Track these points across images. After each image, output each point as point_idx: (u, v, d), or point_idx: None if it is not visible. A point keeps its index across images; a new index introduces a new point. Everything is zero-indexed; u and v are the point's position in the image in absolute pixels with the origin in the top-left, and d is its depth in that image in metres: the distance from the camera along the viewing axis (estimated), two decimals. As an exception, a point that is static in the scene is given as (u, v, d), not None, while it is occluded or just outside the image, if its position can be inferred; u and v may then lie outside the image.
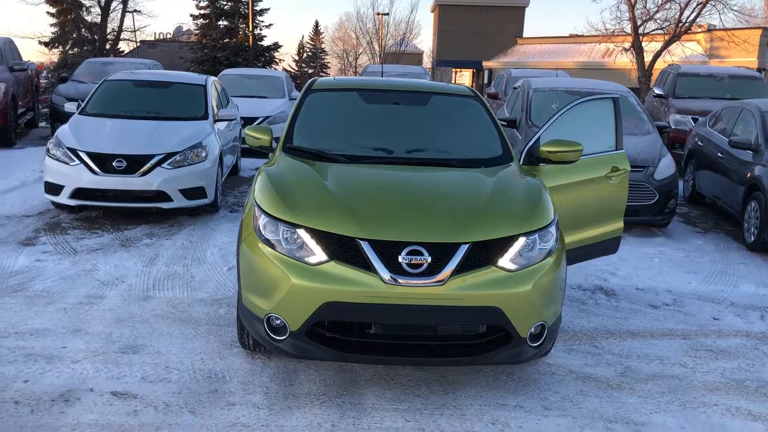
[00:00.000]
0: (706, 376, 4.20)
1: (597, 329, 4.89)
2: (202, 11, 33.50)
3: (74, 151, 7.08)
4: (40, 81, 17.78)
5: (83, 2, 27.30)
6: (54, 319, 4.58)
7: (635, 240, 7.55)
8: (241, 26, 31.39)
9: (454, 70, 48.83)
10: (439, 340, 3.58)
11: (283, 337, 3.52)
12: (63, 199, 7.11)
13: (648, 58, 20.75)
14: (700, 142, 9.59)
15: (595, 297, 5.60)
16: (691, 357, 4.48)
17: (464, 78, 49.72)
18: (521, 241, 3.58)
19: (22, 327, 4.43)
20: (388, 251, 3.40)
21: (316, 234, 3.49)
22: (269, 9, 32.90)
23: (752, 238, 7.35)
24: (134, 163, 7.07)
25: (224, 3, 32.52)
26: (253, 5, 27.72)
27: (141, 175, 7.06)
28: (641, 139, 8.23)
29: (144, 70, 11.75)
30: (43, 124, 15.53)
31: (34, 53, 28.63)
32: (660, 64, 19.47)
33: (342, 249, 3.44)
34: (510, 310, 3.47)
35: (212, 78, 9.57)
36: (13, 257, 5.88)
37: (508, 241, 3.56)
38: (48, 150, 7.30)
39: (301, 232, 3.51)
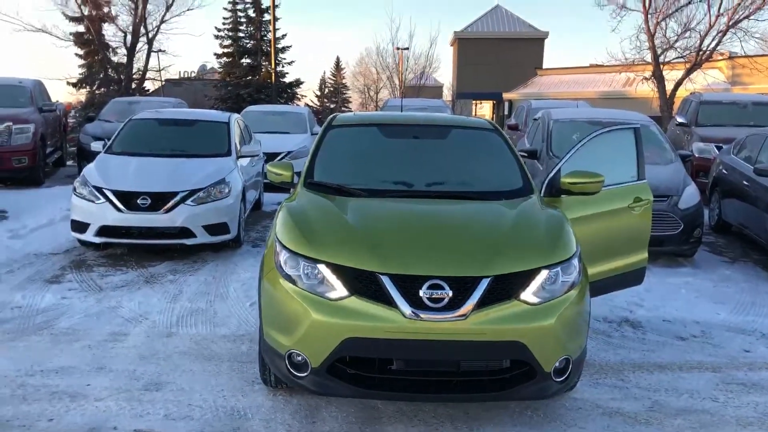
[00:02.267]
0: (739, 410, 4.09)
1: (623, 362, 4.80)
2: (225, 50, 34.18)
3: (100, 190, 7.20)
4: (68, 121, 18.15)
5: (110, 44, 27.99)
6: (79, 356, 4.62)
7: (661, 270, 7.44)
8: (264, 63, 31.94)
9: (474, 102, 49.05)
10: (462, 376, 3.54)
11: (305, 374, 3.50)
12: (89, 236, 7.21)
13: (669, 86, 20.67)
14: (724, 170, 9.48)
15: (621, 329, 5.51)
16: (722, 391, 4.37)
17: (485, 110, 49.89)
18: (543, 274, 3.55)
19: (47, 365, 4.46)
20: (408, 285, 3.39)
21: (336, 269, 3.49)
22: (291, 46, 33.37)
23: (782, 267, 7.21)
24: (158, 201, 7.16)
25: (247, 42, 33.18)
26: (275, 43, 28.21)
27: (165, 212, 7.14)
28: (664, 169, 8.16)
29: (168, 109, 11.96)
30: (70, 163, 15.84)
31: (63, 93, 29.36)
32: (682, 92, 19.40)
33: (362, 284, 3.44)
34: (534, 345, 3.42)
35: (235, 115, 9.71)
36: (40, 295, 5.95)
37: (530, 275, 3.53)
38: (74, 189, 7.43)
39: (322, 267, 3.52)
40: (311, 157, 4.83)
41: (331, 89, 73.76)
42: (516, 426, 3.79)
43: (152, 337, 5.05)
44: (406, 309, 3.35)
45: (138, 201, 7.12)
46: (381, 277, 3.41)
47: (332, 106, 67.93)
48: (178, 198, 7.21)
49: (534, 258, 3.61)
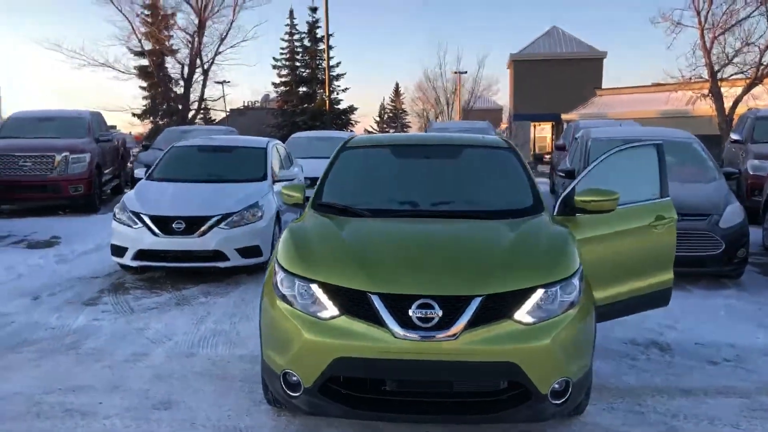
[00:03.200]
0: (760, 438, 3.87)
1: (644, 387, 4.62)
2: (282, 79, 35.01)
3: (137, 215, 7.45)
4: (128, 149, 18.87)
5: (172, 76, 29.10)
6: (97, 376, 4.75)
7: (701, 292, 7.16)
8: (319, 91, 32.55)
9: (532, 123, 48.58)
10: (456, 397, 3.48)
11: (298, 394, 3.51)
12: (126, 260, 7.46)
13: (729, 104, 19.98)
14: (776, 188, 9.09)
15: (647, 352, 5.31)
16: (745, 417, 4.15)
17: (545, 132, 49.31)
18: (539, 293, 3.47)
19: (67, 383, 4.61)
20: (398, 305, 3.36)
21: (328, 288, 3.50)
22: (345, 74, 33.99)
23: (833, 289, 6.82)
24: (193, 225, 7.36)
25: (303, 70, 33.90)
26: (329, 71, 28.73)
27: (199, 236, 7.33)
28: (705, 187, 7.88)
29: (208, 136, 12.29)
30: (127, 190, 16.43)
31: (124, 124, 30.67)
32: (743, 110, 18.71)
33: (353, 303, 3.43)
34: (527, 366, 3.33)
35: (274, 141, 9.91)
36: (74, 317, 6.17)
37: (525, 293, 3.45)
38: (114, 214, 7.71)
39: (314, 287, 3.53)
40: (322, 179, 4.89)
41: (391, 114, 74.41)
42: (517, 450, 3.70)
43: (172, 357, 5.15)
44: (396, 328, 3.32)
45: (173, 225, 7.33)
46: (371, 296, 3.40)
47: (392, 131, 68.51)
48: (211, 222, 7.39)
49: (530, 276, 3.53)
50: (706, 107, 21.85)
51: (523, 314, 3.41)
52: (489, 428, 3.90)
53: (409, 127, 70.06)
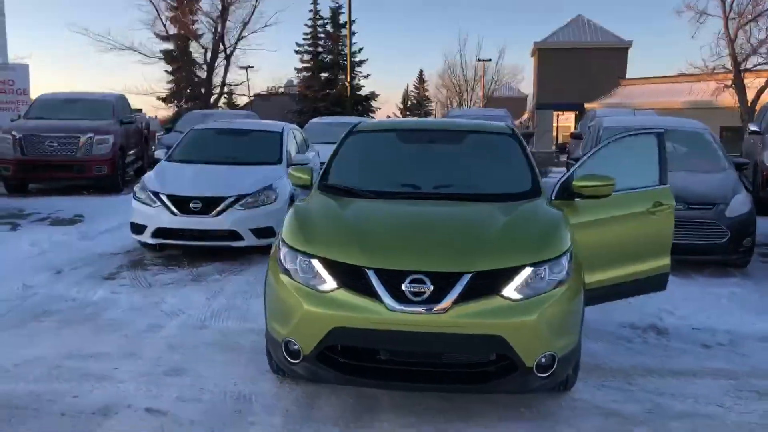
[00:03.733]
0: (741, 416, 4.01)
1: (636, 367, 4.77)
2: (305, 65, 35.22)
3: (156, 194, 7.71)
4: (152, 132, 19.20)
5: (196, 60, 29.44)
6: (114, 344, 5.02)
7: (706, 280, 7.26)
8: (341, 77, 32.73)
9: (555, 113, 48.31)
10: (446, 367, 3.67)
11: (298, 361, 3.73)
12: (146, 238, 7.73)
13: (753, 95, 19.81)
14: (789, 179, 9.11)
15: (644, 336, 5.46)
16: (731, 397, 4.29)
17: (569, 121, 49.01)
18: (528, 271, 3.64)
19: (85, 350, 4.88)
20: (392, 280, 3.56)
21: (328, 263, 3.71)
22: (367, 60, 34.13)
23: (837, 279, 6.88)
24: (209, 205, 7.60)
25: (325, 56, 34.08)
26: (351, 57, 28.87)
27: (215, 216, 7.57)
28: (713, 177, 7.95)
29: (227, 120, 12.52)
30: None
31: (148, 107, 31.15)
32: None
33: (350, 277, 3.64)
34: (514, 339, 3.51)
35: (291, 126, 10.13)
36: (94, 290, 6.45)
37: (514, 271, 3.63)
38: (134, 193, 7.98)
39: (315, 261, 3.74)
40: (329, 161, 5.09)
41: (414, 102, 74.30)
42: (506, 421, 3.88)
43: (184, 329, 5.41)
44: (389, 301, 3.52)
45: (190, 205, 7.58)
46: (367, 271, 3.60)
47: (415, 118, 68.51)
48: (227, 202, 7.63)
49: (518, 255, 3.70)
50: (730, 98, 21.68)
51: (510, 291, 3.59)
52: (478, 399, 4.09)
53: (433, 114, 69.99)
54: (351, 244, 3.76)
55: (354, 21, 30.74)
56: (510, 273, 3.62)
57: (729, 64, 20.23)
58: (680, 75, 36.58)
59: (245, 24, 27.75)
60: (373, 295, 3.56)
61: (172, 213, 7.58)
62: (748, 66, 20.15)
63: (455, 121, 5.92)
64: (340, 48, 33.43)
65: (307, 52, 34.31)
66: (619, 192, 4.85)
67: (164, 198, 7.66)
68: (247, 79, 34.87)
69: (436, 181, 4.77)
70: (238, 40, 27.17)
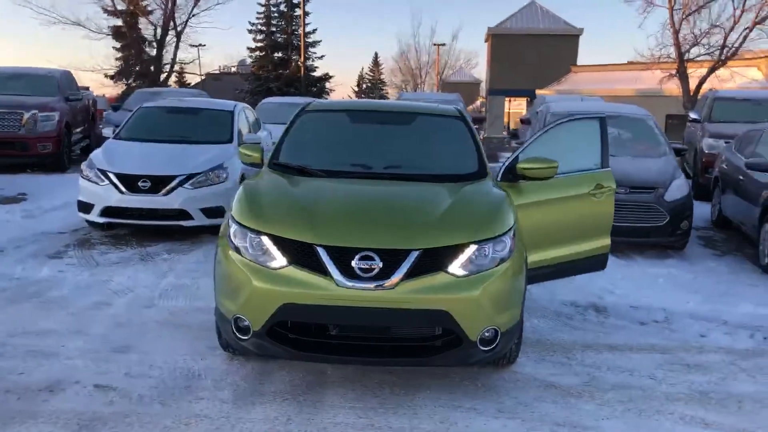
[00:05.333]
0: (672, 387, 4.24)
1: (575, 342, 4.97)
2: (258, 44, 34.76)
3: (104, 172, 7.60)
4: (100, 110, 18.74)
5: (146, 37, 28.77)
6: (61, 321, 4.98)
7: (645, 261, 7.55)
8: (294, 58, 32.44)
9: (507, 99, 48.84)
10: (394, 341, 3.78)
11: (248, 337, 3.78)
12: (93, 216, 7.62)
13: (694, 84, 20.45)
14: (725, 166, 9.49)
15: (584, 314, 5.67)
16: (663, 370, 4.52)
17: (521, 107, 49.63)
18: (472, 248, 3.76)
19: (30, 328, 4.83)
20: (342, 257, 3.63)
21: (277, 240, 3.76)
22: (321, 41, 33.87)
23: (766, 260, 7.24)
24: (158, 183, 7.53)
25: (278, 36, 33.68)
26: (305, 37, 28.62)
27: (164, 195, 7.51)
28: (654, 162, 8.24)
29: (176, 98, 12.35)
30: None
31: (96, 85, 30.25)
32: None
33: (300, 254, 3.70)
34: (458, 314, 3.64)
35: (242, 105, 10.05)
36: (39, 269, 6.35)
37: (459, 249, 3.74)
38: (82, 171, 7.85)
39: (265, 238, 3.79)
40: (280, 140, 5.12)
41: (369, 85, 74.08)
42: (451, 393, 4.01)
43: (132, 307, 5.39)
44: (339, 278, 3.60)
45: (139, 183, 7.50)
46: (317, 248, 3.66)
47: (367, 100, 68.16)
48: (176, 181, 7.56)
49: (464, 233, 3.81)
50: (675, 87, 22.29)
51: (456, 267, 3.70)
52: (426, 374, 4.22)
53: (388, 97, 69.91)
54: (301, 222, 3.81)
55: (308, 0, 30.50)
56: (455, 250, 3.73)
57: (674, 54, 20.80)
58: (629, 63, 37.49)
59: (197, 1, 27.26)
60: (323, 271, 3.63)
61: (121, 191, 7.49)
62: (691, 56, 20.74)
63: (405, 103, 6.01)
64: (293, 28, 33.08)
65: (260, 31, 33.85)
66: (563, 174, 5.02)
67: (112, 176, 7.55)
68: (199, 58, 34.35)
69: (386, 161, 4.84)
70: (190, 17, 26.67)
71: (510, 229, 3.99)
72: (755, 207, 7.72)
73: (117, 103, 16.93)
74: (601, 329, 5.32)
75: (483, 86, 60.22)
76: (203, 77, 34.63)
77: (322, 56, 31.96)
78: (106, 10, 29.04)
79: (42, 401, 3.73)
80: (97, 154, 8.07)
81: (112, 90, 32.03)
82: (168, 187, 7.53)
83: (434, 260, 3.68)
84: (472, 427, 3.63)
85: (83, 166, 7.92)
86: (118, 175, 7.54)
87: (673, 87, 22.06)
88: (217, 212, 7.80)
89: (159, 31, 26.22)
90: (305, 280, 3.64)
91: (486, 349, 3.78)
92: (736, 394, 4.17)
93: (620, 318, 5.60)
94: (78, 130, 14.38)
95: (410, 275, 3.62)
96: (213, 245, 7.54)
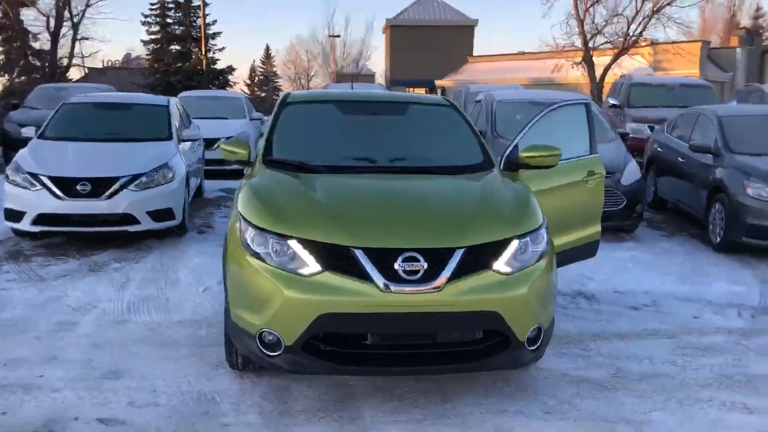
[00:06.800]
0: (697, 372, 4.23)
1: (582, 333, 4.89)
2: (153, 36, 33.11)
3: (35, 176, 6.85)
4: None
5: (30, 30, 26.70)
6: (27, 347, 4.38)
7: (607, 245, 7.59)
8: (194, 50, 31.11)
9: (407, 89, 49.26)
10: (438, 348, 3.52)
11: (278, 353, 3.41)
12: (25, 225, 6.85)
13: (599, 71, 21.26)
14: (659, 149, 9.80)
15: (576, 301, 5.62)
16: (678, 355, 4.51)
17: (419, 97, 49.99)
18: (515, 244, 3.56)
19: (-7, 358, 4.21)
20: (383, 259, 3.34)
21: (308, 244, 3.41)
22: (221, 33, 32.57)
23: (717, 239, 7.50)
24: (99, 187, 6.86)
25: (176, 28, 32.20)
26: (205, 29, 27.51)
27: (107, 198, 6.86)
28: (606, 146, 8.33)
29: (104, 93, 11.50)
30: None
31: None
32: (609, 78, 19.99)
33: (336, 259, 3.37)
34: (508, 314, 3.43)
35: (174, 99, 9.42)
36: (-24, 287, 5.62)
37: (502, 245, 3.54)
38: (7, 176, 7.04)
39: (293, 243, 3.42)
40: (268, 135, 4.71)
41: (261, 77, 72.72)
42: (489, 397, 3.81)
43: (103, 325, 4.84)
44: (382, 282, 3.30)
45: (77, 187, 6.80)
46: (355, 251, 3.35)
47: (263, 94, 67.01)
48: (119, 183, 6.92)
49: (505, 228, 3.62)
50: (574, 75, 23.13)
51: (501, 265, 3.49)
52: (457, 378, 3.99)
53: (281, 90, 68.84)
54: (332, 224, 3.48)
55: (206, -9, 29.30)
56: (499, 246, 3.52)
57: (579, 43, 21.54)
58: (521, 53, 38.78)
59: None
60: (363, 276, 3.32)
61: (57, 197, 6.76)
62: (596, 45, 21.56)
63: (392, 93, 5.74)
64: (191, 19, 31.72)
65: (155, 23, 32.23)
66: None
67: (46, 180, 6.81)
68: (81, 51, 32.06)
69: (390, 154, 4.56)
70: (87, 7, 24.87)
71: (544, 222, 3.83)
72: (702, 189, 7.99)
73: (16, 101, 15.50)
74: (600, 317, 5.28)
75: (377, 78, 60.50)
76: (87, 71, 32.44)
77: (223, 48, 30.88)
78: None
79: (44, 444, 3.22)
80: (23, 156, 7.26)
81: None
82: (111, 190, 6.87)
83: (479, 258, 3.46)
84: (528, 432, 3.44)
85: (9, 170, 7.11)
86: (54, 179, 6.81)
87: (568, 76, 22.89)
88: (165, 215, 7.24)
89: (52, 22, 24.33)
90: (344, 286, 3.32)
91: (532, 348, 3.60)
92: (759, 376, 4.20)
93: (611, 304, 5.59)
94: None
95: (456, 275, 3.38)
96: (162, 252, 7.04)
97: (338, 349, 3.43)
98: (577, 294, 5.82)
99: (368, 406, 3.66)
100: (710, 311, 5.45)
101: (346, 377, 3.91)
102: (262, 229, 3.53)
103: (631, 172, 8.00)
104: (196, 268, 6.33)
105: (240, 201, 3.89)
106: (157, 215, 7.14)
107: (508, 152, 4.85)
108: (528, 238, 3.65)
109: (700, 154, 8.21)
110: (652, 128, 11.74)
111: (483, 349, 3.52)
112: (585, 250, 5.35)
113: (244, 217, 3.68)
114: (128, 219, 6.98)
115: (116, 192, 6.89)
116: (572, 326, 5.03)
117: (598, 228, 5.35)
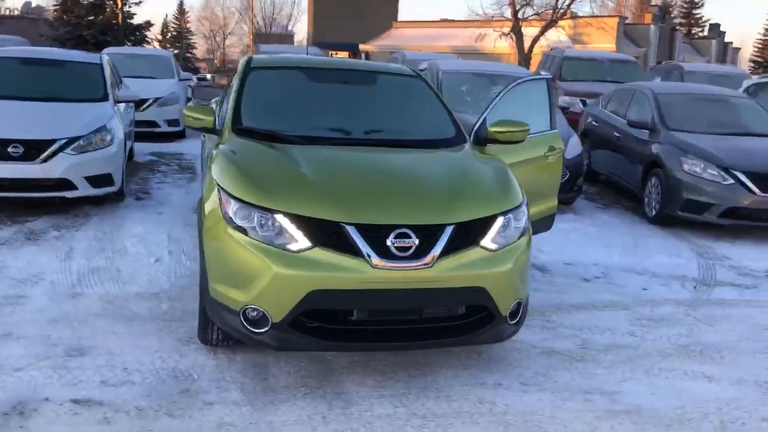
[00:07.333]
0: (656, 343, 4.43)
1: (543, 304, 5.02)
2: (62, -15, 31.02)
3: (-41, 138, 6.35)
4: None
5: None
6: (-25, 323, 4.10)
7: (550, 217, 7.84)
8: (108, 2, 29.42)
9: (330, 52, 48.58)
10: (424, 323, 3.53)
11: (264, 330, 3.33)
12: (-52, 190, 6.37)
13: (527, 43, 21.63)
14: (594, 122, 10.10)
15: (530, 273, 5.75)
16: (636, 326, 4.71)
17: (344, 60, 49.47)
18: (500, 221, 3.60)
19: (-61, 335, 3.92)
20: (375, 235, 3.30)
21: (296, 219, 3.32)
22: (139, -15, 30.79)
23: (653, 212, 7.84)
24: (32, 149, 6.43)
25: (87, -22, 30.30)
26: (121, -20, 26.07)
27: (41, 162, 6.44)
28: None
29: (26, 47, 10.75)
30: None
31: None
32: (536, 49, 20.38)
33: (326, 234, 3.30)
34: (494, 289, 3.48)
35: (106, 56, 8.90)
36: None
37: (488, 221, 3.56)
38: (-73, 136, 6.48)
39: (280, 217, 3.33)
40: (235, 102, 4.52)
41: (174, 34, 69.93)
42: (466, 369, 3.87)
43: (56, 298, 4.58)
44: (374, 258, 3.26)
45: (9, 149, 6.35)
46: (346, 227, 3.29)
47: (176, 51, 64.53)
48: (55, 146, 6.51)
49: (491, 206, 3.64)
50: (503, 45, 23.41)
51: (488, 241, 3.52)
52: (433, 353, 4.02)
53: (195, 47, 66.50)
54: (322, 199, 3.39)
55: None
56: (485, 223, 3.55)
57: (509, 14, 21.80)
58: (443, 20, 38.93)
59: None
60: (354, 252, 3.28)
61: (-16, 160, 6.30)
62: (526, 16, 21.88)
63: (359, 62, 5.61)
64: (106, -31, 29.90)
65: (64, -29, 30.18)
66: None
67: (-28, 142, 6.32)
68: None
69: (364, 125, 4.48)
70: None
71: (524, 199, 3.88)
72: (638, 164, 8.31)
73: None
74: (555, 289, 5.43)
75: (297, 39, 59.45)
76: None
77: (140, 2, 29.37)
78: None
79: (18, 428, 3.03)
80: (-56, 115, 6.70)
81: None
82: (46, 154, 6.45)
83: (467, 235, 3.48)
84: (511, 405, 3.51)
85: (-71, 129, 6.54)
86: (-20, 141, 6.33)
87: (488, 45, 23.16)
88: (104, 180, 6.89)
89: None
90: (335, 262, 3.26)
91: (513, 322, 3.67)
92: (711, 345, 4.45)
93: (564, 276, 5.76)
94: None
95: (446, 252, 3.39)
96: (102, 218, 6.71)
97: (325, 324, 3.39)
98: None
99: (351, 381, 3.64)
100: (657, 283, 5.71)
101: (322, 353, 3.87)
102: (246, 203, 3.41)
103: (573, 146, 8.22)
104: (143, 238, 6.07)
105: (216, 171, 3.74)
106: (95, 181, 6.78)
107: (476, 127, 4.86)
108: (511, 215, 3.69)
109: (637, 129, 8.51)
110: (583, 102, 12.08)
111: (468, 324, 3.56)
112: (543, 223, 5.48)
113: (224, 190, 3.54)
114: (65, 184, 6.59)
115: (52, 155, 6.48)
116: (533, 298, 5.09)
117: (555, 202, 5.50)
